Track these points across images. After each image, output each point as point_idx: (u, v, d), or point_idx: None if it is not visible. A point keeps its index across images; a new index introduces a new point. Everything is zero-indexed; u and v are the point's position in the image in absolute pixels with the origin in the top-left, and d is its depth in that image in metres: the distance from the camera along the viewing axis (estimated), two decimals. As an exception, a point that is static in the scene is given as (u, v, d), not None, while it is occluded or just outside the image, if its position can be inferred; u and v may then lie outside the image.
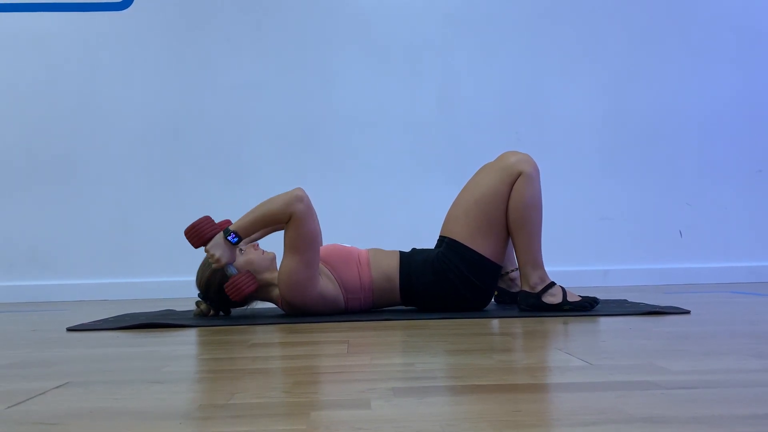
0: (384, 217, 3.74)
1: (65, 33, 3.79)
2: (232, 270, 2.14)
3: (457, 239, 2.21)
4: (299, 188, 2.12)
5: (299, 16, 3.84)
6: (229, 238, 2.10)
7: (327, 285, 2.17)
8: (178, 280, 3.45)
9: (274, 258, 2.25)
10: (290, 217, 2.08)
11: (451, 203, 2.33)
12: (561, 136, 3.84)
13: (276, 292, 2.21)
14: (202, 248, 2.16)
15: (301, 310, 2.17)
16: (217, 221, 2.22)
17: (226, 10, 3.82)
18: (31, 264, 3.71)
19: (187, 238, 2.15)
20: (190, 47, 3.82)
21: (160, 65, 3.81)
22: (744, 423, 0.80)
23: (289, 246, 2.10)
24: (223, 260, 2.10)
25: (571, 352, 1.35)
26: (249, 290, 2.10)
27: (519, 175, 2.16)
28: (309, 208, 2.10)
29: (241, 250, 2.21)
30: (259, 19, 3.82)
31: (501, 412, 0.87)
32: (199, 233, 2.13)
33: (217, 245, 2.11)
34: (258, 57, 3.82)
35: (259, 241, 2.36)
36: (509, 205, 2.17)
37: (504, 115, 3.84)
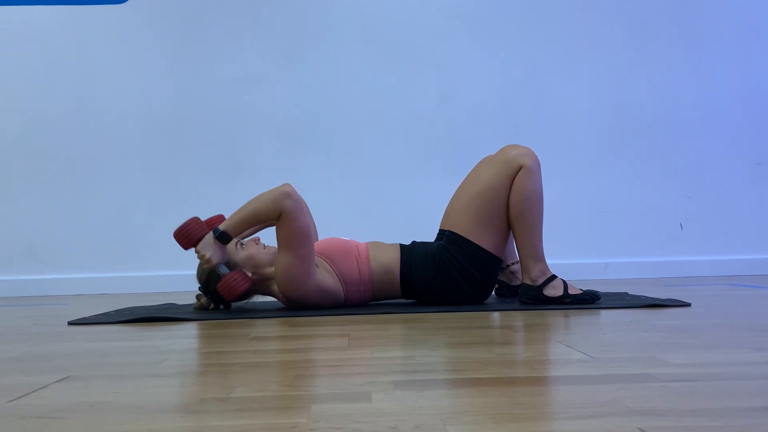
0: (384, 210, 3.74)
1: (63, 27, 3.78)
2: (223, 270, 2.13)
3: (457, 232, 2.21)
4: (287, 184, 2.10)
5: (299, 9, 3.83)
6: (217, 236, 2.10)
7: (326, 278, 2.17)
8: (178, 273, 3.46)
9: (275, 252, 2.25)
10: (280, 214, 2.07)
11: (451, 197, 2.33)
12: (560, 129, 3.84)
13: (276, 286, 2.21)
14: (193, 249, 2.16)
15: (301, 304, 2.17)
16: (212, 215, 2.22)
17: (225, 4, 3.81)
18: (30, 258, 3.72)
19: (177, 241, 2.14)
20: (188, 41, 3.81)
21: (159, 59, 3.80)
22: (744, 416, 0.80)
23: (283, 243, 2.09)
24: (214, 260, 2.10)
25: (571, 345, 1.35)
26: (242, 289, 2.10)
27: (520, 168, 2.16)
28: (298, 204, 2.07)
29: (242, 245, 2.21)
30: (258, 13, 3.81)
31: (501, 405, 0.87)
32: (188, 235, 2.12)
33: (208, 245, 2.10)
34: (257, 51, 3.81)
35: (259, 235, 2.36)
36: (510, 199, 2.17)
37: (503, 109, 3.84)
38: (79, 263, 3.71)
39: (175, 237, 2.14)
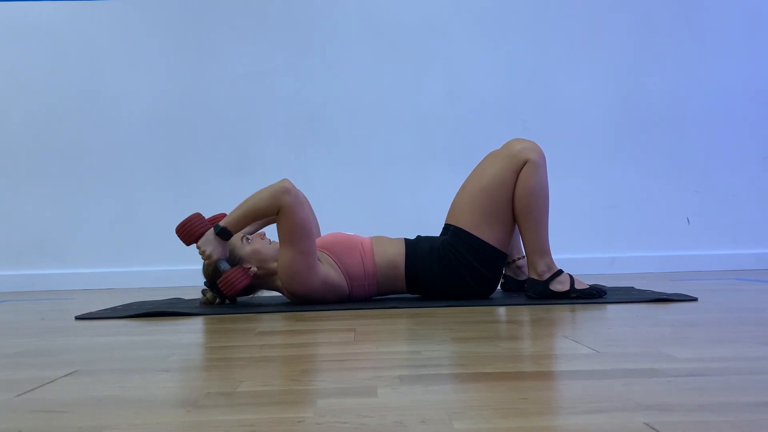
0: (389, 205, 3.74)
1: (68, 22, 3.79)
2: (224, 266, 2.14)
3: (462, 227, 2.21)
4: (286, 180, 2.10)
5: (305, 4, 3.82)
6: (218, 232, 2.10)
7: (330, 273, 2.17)
8: (185, 268, 3.47)
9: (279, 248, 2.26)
10: (279, 210, 2.07)
11: (456, 191, 2.32)
12: (567, 123, 3.83)
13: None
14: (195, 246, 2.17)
15: (305, 299, 2.18)
16: (217, 212, 2.23)
17: (231, -2, 3.81)
18: (39, 253, 3.74)
19: (179, 236, 2.14)
20: (194, 36, 3.81)
21: (165, 54, 3.81)
22: (751, 410, 0.80)
23: (284, 238, 2.10)
24: (215, 256, 2.11)
25: (577, 340, 1.35)
26: (241, 285, 2.11)
27: (525, 162, 2.15)
28: (297, 199, 2.07)
29: (248, 240, 2.21)
30: (265, 8, 3.81)
31: (507, 400, 0.87)
32: (189, 230, 2.13)
33: (208, 242, 2.11)
34: (263, 46, 3.81)
35: (264, 230, 2.37)
36: (515, 193, 2.17)
37: (510, 103, 3.83)
38: (86, 258, 3.73)
39: (177, 232, 2.15)
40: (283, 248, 2.11)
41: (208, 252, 2.11)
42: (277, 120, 3.79)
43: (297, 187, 2.12)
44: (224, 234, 2.10)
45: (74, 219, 3.74)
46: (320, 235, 2.44)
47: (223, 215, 2.24)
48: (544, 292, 2.16)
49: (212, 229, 2.12)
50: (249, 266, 2.17)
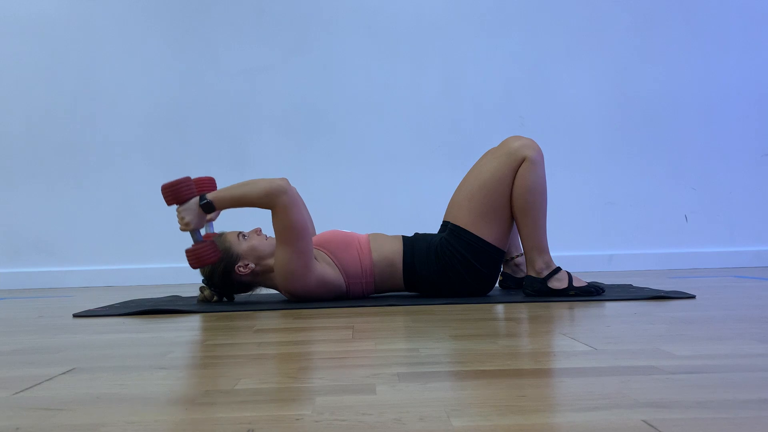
0: (387, 202, 3.74)
1: (66, 19, 3.78)
2: (198, 236, 2.12)
3: (460, 225, 2.21)
4: (284, 179, 2.08)
5: (302, 1, 3.82)
6: (202, 204, 2.08)
7: (327, 271, 2.17)
8: (183, 266, 3.45)
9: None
10: (273, 209, 2.06)
11: (454, 188, 2.32)
12: (565, 121, 3.83)
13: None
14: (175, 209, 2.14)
15: (303, 297, 2.17)
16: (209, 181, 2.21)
17: (229, -5, 3.80)
18: (37, 251, 3.73)
19: (163, 195, 2.09)
20: (192, 32, 3.81)
21: (163, 51, 3.80)
22: (748, 408, 0.80)
23: (279, 237, 2.09)
24: (192, 225, 2.09)
25: (575, 337, 1.35)
26: (210, 261, 2.08)
27: (523, 160, 2.15)
28: (293, 199, 2.06)
29: (244, 236, 2.21)
30: (262, 4, 3.80)
31: (505, 397, 0.87)
32: (176, 192, 2.08)
33: (190, 210, 2.08)
34: (261, 42, 3.80)
35: (260, 226, 2.37)
36: (513, 191, 2.16)
37: (508, 101, 3.83)
38: (85, 256, 3.73)
39: (162, 190, 2.09)
40: (279, 248, 2.11)
41: (187, 219, 2.08)
42: (275, 117, 3.79)
43: (293, 186, 2.11)
44: (208, 207, 2.08)
45: (72, 216, 3.74)
46: (316, 233, 2.44)
47: (211, 180, 2.21)
48: (542, 289, 2.17)
49: (197, 198, 2.10)
50: (247, 263, 2.17)
